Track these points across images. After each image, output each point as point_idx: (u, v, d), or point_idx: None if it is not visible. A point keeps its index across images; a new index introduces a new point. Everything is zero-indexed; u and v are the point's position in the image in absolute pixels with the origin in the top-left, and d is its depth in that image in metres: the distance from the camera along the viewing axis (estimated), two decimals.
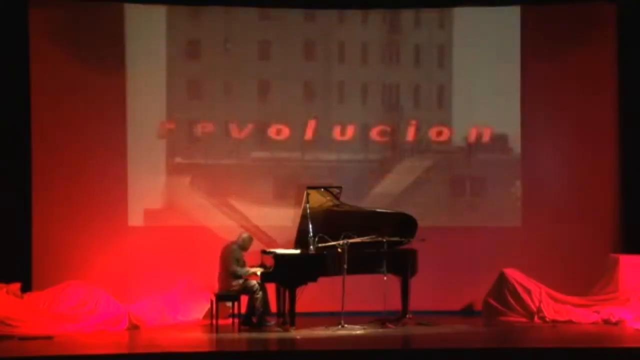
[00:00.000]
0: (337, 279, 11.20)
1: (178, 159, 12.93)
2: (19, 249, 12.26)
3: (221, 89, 13.00)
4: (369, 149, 13.14)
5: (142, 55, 12.85)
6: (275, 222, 12.76)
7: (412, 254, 11.75)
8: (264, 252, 11.81)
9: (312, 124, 13.02)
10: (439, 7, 13.14)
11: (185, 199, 12.87)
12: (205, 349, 10.47)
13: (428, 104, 13.23)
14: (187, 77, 12.97)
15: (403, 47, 13.18)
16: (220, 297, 11.31)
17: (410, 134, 13.17)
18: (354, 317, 11.33)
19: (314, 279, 11.16)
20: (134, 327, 11.41)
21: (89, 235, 12.48)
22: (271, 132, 12.97)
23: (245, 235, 11.67)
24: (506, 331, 11.32)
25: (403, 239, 11.67)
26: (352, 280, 11.22)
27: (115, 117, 12.68)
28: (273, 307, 11.70)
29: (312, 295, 11.36)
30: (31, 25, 12.46)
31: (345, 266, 11.13)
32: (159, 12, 12.91)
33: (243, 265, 11.43)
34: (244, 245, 11.55)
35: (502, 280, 12.13)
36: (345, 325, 11.13)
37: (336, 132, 13.08)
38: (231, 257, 11.38)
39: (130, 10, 12.78)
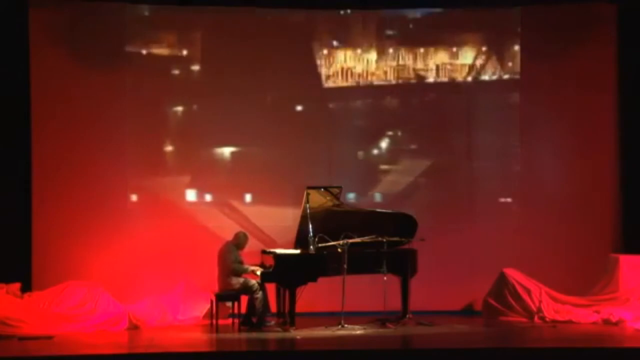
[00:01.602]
0: (337, 279, 11.20)
1: (178, 159, 12.92)
2: (19, 249, 12.26)
3: (221, 88, 12.98)
4: (369, 149, 13.14)
5: (142, 55, 12.86)
6: (275, 222, 12.75)
7: (412, 254, 11.74)
8: (264, 252, 11.82)
9: (312, 124, 13.02)
10: (439, 7, 13.14)
11: (185, 199, 12.87)
12: (205, 349, 10.46)
13: (428, 104, 13.22)
14: (187, 77, 12.96)
15: (403, 48, 13.16)
16: (220, 297, 11.32)
17: (410, 135, 13.17)
18: (354, 317, 11.33)
19: (314, 279, 11.16)
20: (134, 327, 11.41)
21: (89, 235, 12.47)
22: (271, 132, 12.95)
23: (241, 233, 11.68)
24: (506, 331, 11.32)
25: (403, 239, 11.66)
26: (352, 280, 11.21)
27: (115, 117, 12.68)
28: (273, 307, 11.70)
29: (312, 295, 11.36)
30: (31, 25, 12.45)
31: (345, 266, 11.14)
32: (159, 12, 12.91)
33: (241, 263, 11.44)
34: (240, 244, 11.56)
35: (502, 280, 12.13)
36: (345, 325, 11.13)
37: (336, 132, 13.07)
38: (229, 256, 11.39)
39: (131, 10, 12.78)
